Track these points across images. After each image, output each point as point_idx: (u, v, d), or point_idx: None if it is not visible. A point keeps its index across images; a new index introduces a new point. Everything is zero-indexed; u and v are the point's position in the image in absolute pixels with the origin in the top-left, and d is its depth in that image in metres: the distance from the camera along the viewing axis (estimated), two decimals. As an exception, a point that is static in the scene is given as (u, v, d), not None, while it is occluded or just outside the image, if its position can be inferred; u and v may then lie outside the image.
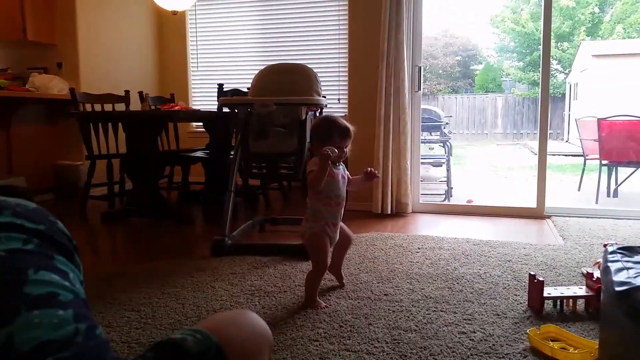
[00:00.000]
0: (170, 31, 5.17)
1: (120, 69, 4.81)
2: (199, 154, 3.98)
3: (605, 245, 1.58)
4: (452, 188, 5.19)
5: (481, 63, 21.29)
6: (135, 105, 4.27)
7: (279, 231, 3.36)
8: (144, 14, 5.07)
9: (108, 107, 4.12)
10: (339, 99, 4.79)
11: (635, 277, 1.15)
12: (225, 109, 3.58)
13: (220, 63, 5.17)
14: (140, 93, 4.12)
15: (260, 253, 2.71)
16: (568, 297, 1.90)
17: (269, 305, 2.00)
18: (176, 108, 3.81)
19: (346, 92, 4.31)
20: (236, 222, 3.25)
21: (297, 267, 2.48)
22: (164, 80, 5.24)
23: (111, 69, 4.73)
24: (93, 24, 4.53)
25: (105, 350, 0.66)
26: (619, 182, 5.28)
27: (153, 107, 4.16)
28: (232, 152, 3.07)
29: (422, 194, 4.22)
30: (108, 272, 2.44)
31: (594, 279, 1.90)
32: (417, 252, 2.75)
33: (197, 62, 5.22)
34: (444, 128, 6.01)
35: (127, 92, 4.25)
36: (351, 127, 1.92)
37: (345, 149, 1.93)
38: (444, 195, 5.11)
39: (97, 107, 4.03)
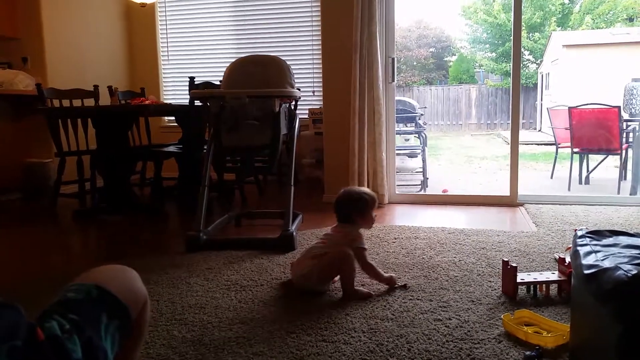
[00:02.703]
0: (139, 23, 5.07)
1: (88, 63, 4.69)
2: (171, 148, 3.92)
3: (575, 231, 1.60)
4: (427, 178, 5.22)
5: (454, 54, 21.47)
6: (105, 100, 4.18)
7: (255, 225, 3.33)
8: (112, 6, 4.96)
9: (77, 102, 4.02)
10: (313, 92, 4.77)
11: (602, 260, 1.17)
12: (198, 103, 3.52)
13: (192, 55, 5.09)
14: (110, 87, 4.04)
15: (236, 247, 2.68)
16: (541, 282, 1.93)
17: (245, 299, 1.98)
18: (147, 102, 3.74)
19: (320, 84, 4.29)
20: (211, 217, 3.21)
21: (273, 261, 2.47)
22: (134, 74, 5.14)
23: (79, 64, 4.61)
24: (58, 17, 4.40)
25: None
26: (590, 169, 5.39)
27: (123, 102, 4.07)
28: (206, 147, 3.02)
29: (398, 185, 4.24)
30: (81, 271, 2.38)
31: (565, 264, 1.93)
32: (394, 242, 2.76)
33: (168, 55, 5.13)
34: (419, 119, 6.03)
35: (96, 86, 4.15)
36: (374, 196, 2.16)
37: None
38: (420, 186, 5.14)
39: (66, 103, 3.93)
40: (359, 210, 2.09)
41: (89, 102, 4.12)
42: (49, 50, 4.33)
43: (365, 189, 2.28)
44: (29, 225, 3.56)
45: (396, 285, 2.06)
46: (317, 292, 2.02)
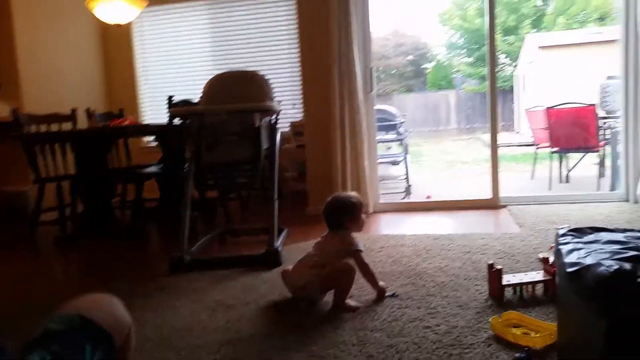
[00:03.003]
0: (115, 44, 5.03)
1: (65, 87, 4.64)
2: (152, 169, 3.87)
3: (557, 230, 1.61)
4: (410, 185, 5.24)
5: (432, 61, 21.76)
6: (83, 123, 4.13)
7: (240, 242, 3.31)
8: (86, 28, 4.92)
9: (54, 127, 3.97)
10: (293, 104, 4.77)
11: (585, 257, 1.17)
12: (177, 121, 3.50)
13: (170, 74, 5.07)
14: (88, 110, 3.99)
15: (221, 266, 2.65)
16: (527, 283, 1.94)
17: (232, 319, 1.95)
18: (125, 123, 3.70)
19: (300, 96, 4.30)
20: (195, 237, 3.17)
21: (259, 278, 2.44)
22: (112, 95, 5.09)
23: (55, 88, 4.55)
24: (32, 42, 4.35)
25: None
26: (569, 168, 5.46)
27: (101, 124, 4.03)
28: (186, 165, 2.99)
29: (382, 194, 4.25)
30: (64, 298, 2.33)
31: (549, 263, 1.94)
32: (380, 251, 2.75)
33: (146, 75, 5.10)
34: (400, 127, 6.07)
35: (73, 110, 4.10)
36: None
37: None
38: (404, 193, 5.15)
39: (43, 128, 3.87)
40: (349, 214, 2.09)
41: (67, 126, 4.06)
42: (24, 76, 4.27)
43: (351, 193, 2.30)
44: (9, 253, 3.48)
45: (386, 295, 2.05)
46: (309, 303, 2.01)
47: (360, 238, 2.61)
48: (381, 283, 2.09)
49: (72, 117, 4.09)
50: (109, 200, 3.68)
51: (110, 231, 3.61)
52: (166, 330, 1.89)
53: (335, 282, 1.97)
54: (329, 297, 2.02)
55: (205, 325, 1.90)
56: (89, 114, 3.96)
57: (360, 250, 2.05)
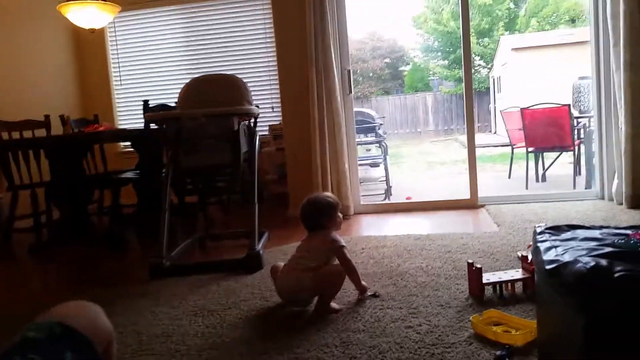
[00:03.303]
0: (89, 50, 4.95)
1: (38, 93, 4.54)
2: (128, 174, 3.82)
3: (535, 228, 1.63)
4: (391, 187, 5.27)
5: (409, 64, 21.95)
6: (57, 129, 4.04)
7: (221, 247, 3.27)
8: (60, 33, 4.83)
9: (28, 134, 3.88)
10: (272, 107, 4.76)
11: (562, 254, 1.19)
12: (153, 126, 3.46)
13: (146, 79, 5.01)
14: (62, 116, 3.91)
15: (202, 271, 2.62)
16: (506, 281, 1.96)
17: (213, 323, 1.93)
18: (100, 129, 3.64)
19: (279, 100, 4.29)
20: (175, 242, 3.12)
21: (241, 282, 2.42)
22: (86, 101, 5.01)
23: (28, 94, 4.45)
24: (3, 47, 4.25)
25: None
26: (545, 167, 5.56)
27: (76, 130, 3.96)
28: (164, 170, 2.95)
29: (362, 195, 4.26)
30: (42, 306, 2.27)
31: (528, 262, 1.97)
32: (362, 253, 2.76)
33: (121, 80, 5.03)
34: (379, 129, 6.10)
35: (47, 116, 4.02)
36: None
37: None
38: (384, 195, 5.18)
39: (16, 135, 3.79)
40: (326, 215, 2.09)
41: (41, 132, 3.98)
42: (-5, 82, 4.17)
43: (326, 193, 2.32)
44: (-18, 264, 3.39)
45: (367, 294, 2.05)
46: (298, 307, 2.01)
47: (342, 239, 2.63)
48: (364, 284, 2.10)
49: (45, 123, 4.01)
50: (86, 206, 3.62)
51: (87, 238, 3.54)
52: (146, 336, 1.86)
53: (328, 286, 1.96)
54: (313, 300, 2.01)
55: (185, 331, 1.87)
56: (64, 120, 3.88)
57: (344, 246, 2.04)
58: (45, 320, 0.90)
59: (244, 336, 1.79)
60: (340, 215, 2.15)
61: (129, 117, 5.05)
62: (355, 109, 4.30)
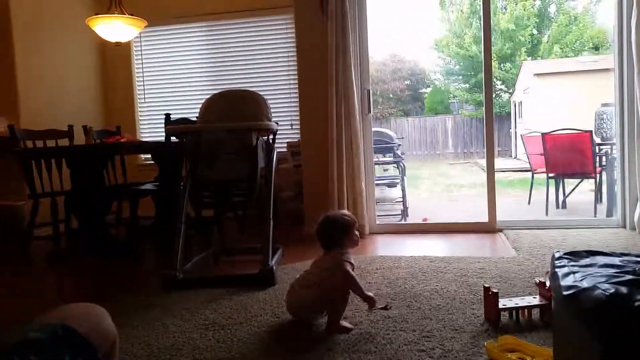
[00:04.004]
0: (114, 62, 5.07)
1: (62, 104, 4.65)
2: (147, 186, 3.86)
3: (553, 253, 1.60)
4: (407, 208, 5.23)
5: (429, 86, 21.98)
6: (80, 139, 4.12)
7: (235, 261, 3.28)
8: (86, 46, 4.96)
9: (51, 142, 3.97)
10: (291, 125, 4.80)
11: (581, 280, 1.16)
12: (174, 139, 3.50)
13: (169, 93, 5.10)
14: (85, 127, 3.99)
15: (215, 285, 2.62)
16: (523, 307, 1.92)
17: (224, 338, 1.92)
18: (122, 140, 3.70)
19: (298, 117, 4.31)
20: (190, 256, 3.13)
21: (253, 298, 2.41)
22: (109, 112, 5.11)
23: (53, 104, 4.57)
24: (31, 58, 4.38)
25: None
26: (566, 194, 5.47)
27: (98, 141, 4.03)
28: (182, 183, 2.98)
29: (378, 215, 4.24)
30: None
31: (546, 288, 1.93)
32: (376, 273, 2.73)
33: (144, 93, 5.13)
34: (397, 149, 6.08)
35: (70, 126, 4.10)
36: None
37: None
38: (400, 215, 5.14)
39: (39, 144, 3.87)
40: (343, 233, 2.05)
41: (64, 142, 4.06)
42: (22, 91, 4.28)
43: (342, 211, 2.28)
44: (1, 269, 3.44)
45: (377, 306, 1.98)
46: (308, 323, 1.99)
47: (356, 258, 2.60)
48: (371, 294, 1.98)
49: (69, 133, 4.10)
50: (104, 216, 3.66)
51: (104, 248, 3.57)
52: (156, 348, 1.86)
53: (328, 301, 1.94)
54: (323, 317, 1.99)
55: (195, 345, 1.87)
56: (86, 130, 3.96)
57: (347, 262, 1.99)
58: (48, 321, 0.89)
59: (253, 353, 1.78)
60: (358, 233, 2.11)
61: (151, 130, 5.13)
62: (374, 129, 4.30)
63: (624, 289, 1.06)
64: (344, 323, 1.94)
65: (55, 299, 2.81)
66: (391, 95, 20.83)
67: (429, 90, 21.92)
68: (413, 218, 5.08)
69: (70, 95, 4.78)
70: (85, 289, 2.93)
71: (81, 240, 3.60)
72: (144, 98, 5.15)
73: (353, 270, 2.01)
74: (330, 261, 2.00)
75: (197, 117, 3.20)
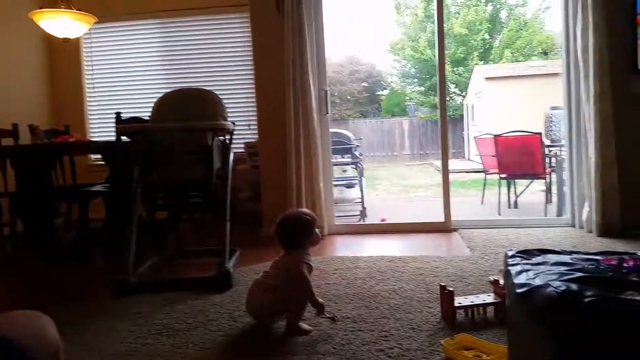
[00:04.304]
0: (62, 59, 4.87)
1: (7, 101, 4.42)
2: (98, 187, 3.72)
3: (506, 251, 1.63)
4: (366, 208, 5.27)
5: (386, 89, 22.28)
6: (26, 139, 3.93)
7: (191, 264, 3.20)
8: (32, 41, 4.74)
9: (-6, 142, 3.76)
10: (249, 125, 4.74)
11: (534, 278, 1.19)
12: (125, 138, 3.39)
13: (120, 91, 4.94)
14: (31, 126, 3.81)
15: (169, 289, 2.54)
16: (478, 305, 1.95)
17: (179, 343, 1.86)
18: (70, 140, 3.55)
19: (255, 117, 4.27)
20: (143, 259, 3.04)
21: (209, 301, 2.36)
22: (57, 111, 4.90)
23: (-4, 102, 4.34)
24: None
25: None
26: (517, 194, 5.65)
27: (45, 141, 3.86)
28: (134, 184, 2.88)
29: (337, 216, 4.24)
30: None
31: (500, 286, 1.97)
32: (334, 274, 2.73)
33: (94, 91, 4.95)
34: (355, 150, 6.14)
35: (15, 125, 3.91)
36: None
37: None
38: (359, 216, 5.17)
39: (-19, 143, 3.67)
40: (303, 233, 2.00)
41: (8, 141, 3.86)
42: (-38, 89, 4.05)
43: (302, 209, 2.24)
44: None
45: (323, 316, 1.96)
46: (267, 326, 1.97)
47: (315, 259, 2.59)
48: (323, 303, 1.97)
49: (14, 132, 3.90)
50: (52, 219, 3.50)
51: (52, 252, 3.42)
52: (108, 355, 1.79)
53: (286, 305, 1.91)
54: (283, 319, 1.97)
55: (149, 351, 1.80)
56: (32, 129, 3.78)
57: (305, 263, 1.96)
58: None
59: (210, 357, 1.74)
60: (318, 231, 2.07)
61: (101, 129, 4.95)
62: (332, 130, 4.31)
63: (574, 286, 1.09)
64: (303, 325, 1.92)
65: (-2, 307, 2.66)
66: (349, 97, 20.99)
67: (385, 92, 22.23)
68: (371, 218, 5.12)
69: (15, 93, 4.55)
70: (31, 296, 2.79)
71: (28, 244, 3.43)
72: (94, 96, 4.97)
73: (311, 272, 1.99)
74: (289, 262, 1.97)
75: (149, 116, 3.11)
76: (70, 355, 1.78)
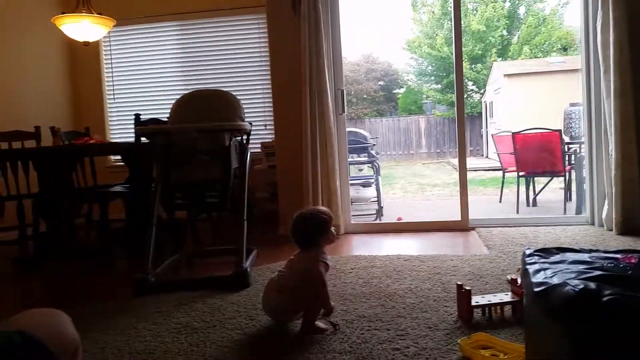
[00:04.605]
0: (83, 62, 4.96)
1: (29, 105, 4.52)
2: (117, 188, 3.78)
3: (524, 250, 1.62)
4: (382, 207, 5.26)
5: (402, 87, 22.16)
6: (48, 141, 4.01)
7: (208, 264, 3.23)
8: (53, 46, 4.84)
9: (17, 144, 3.85)
10: (265, 125, 4.77)
11: (551, 277, 1.18)
12: (144, 140, 3.44)
13: (139, 93, 5.02)
14: (52, 128, 3.89)
15: (187, 288, 2.57)
16: (495, 304, 1.94)
17: (197, 342, 1.89)
18: (91, 142, 3.62)
19: (272, 117, 4.29)
20: (162, 258, 3.08)
21: (227, 300, 2.38)
22: (78, 113, 5.00)
23: (19, 105, 4.44)
24: (-4, 58, 4.24)
25: None
26: (536, 192, 5.58)
27: (66, 142, 3.93)
28: (153, 185, 2.92)
29: (353, 215, 4.24)
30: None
31: (518, 285, 1.95)
32: (350, 272, 2.73)
33: (114, 93, 5.03)
34: (371, 149, 6.12)
35: (37, 127, 3.99)
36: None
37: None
38: (375, 215, 5.16)
39: (4, 146, 3.75)
40: (319, 231, 2.00)
41: (30, 143, 3.95)
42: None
43: (318, 207, 2.24)
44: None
45: (327, 319, 1.95)
46: (283, 324, 1.99)
47: (331, 259, 2.59)
48: (333, 306, 2.00)
49: (36, 134, 3.98)
50: (73, 220, 3.57)
51: (73, 252, 3.48)
52: (127, 353, 1.81)
53: (303, 305, 1.92)
54: (299, 318, 1.98)
55: (168, 349, 1.83)
56: (54, 131, 3.85)
57: (322, 262, 1.97)
58: (5, 329, 0.85)
59: (227, 356, 1.75)
60: (334, 229, 2.08)
61: (121, 131, 5.03)
62: (348, 129, 4.31)
63: (592, 285, 1.08)
64: (319, 323, 1.93)
65: (21, 306, 2.72)
66: (365, 96, 20.93)
67: (402, 90, 22.11)
68: (388, 217, 5.11)
69: (37, 96, 4.65)
70: (53, 294, 2.85)
71: (50, 244, 3.50)
72: (114, 98, 5.05)
73: (327, 271, 2.00)
74: (307, 261, 1.98)
75: (168, 118, 3.15)
76: (90, 353, 1.82)
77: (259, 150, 4.48)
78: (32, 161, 3.62)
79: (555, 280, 1.16)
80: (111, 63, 5.01)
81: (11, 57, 4.42)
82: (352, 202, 4.27)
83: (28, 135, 3.95)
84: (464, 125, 3.98)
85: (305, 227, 2.02)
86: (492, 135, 7.54)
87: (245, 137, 3.29)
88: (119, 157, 4.70)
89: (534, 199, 5.54)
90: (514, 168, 5.41)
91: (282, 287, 1.95)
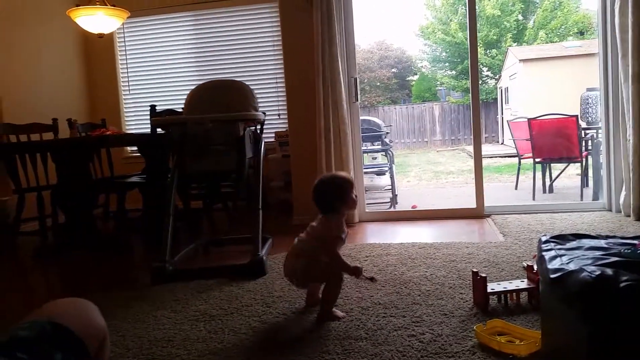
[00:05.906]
0: (98, 54, 5.00)
1: (46, 97, 4.58)
2: (134, 179, 3.83)
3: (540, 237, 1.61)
4: (396, 195, 5.25)
5: (416, 74, 21.97)
6: (65, 133, 4.07)
7: (225, 252, 3.27)
8: (68, 38, 4.88)
9: (35, 137, 3.91)
10: (279, 115, 4.77)
11: (568, 264, 1.18)
12: (160, 130, 3.47)
13: (154, 84, 5.05)
14: (69, 120, 3.94)
15: (205, 276, 2.61)
16: (511, 291, 1.94)
17: (215, 329, 1.92)
18: (107, 133, 3.66)
19: (285, 107, 4.30)
20: (179, 247, 3.12)
21: (243, 287, 2.41)
22: (94, 105, 5.05)
23: (36, 98, 4.49)
24: (10, 51, 4.30)
25: None
26: (553, 178, 5.52)
27: (83, 134, 3.98)
28: (169, 175, 2.96)
29: (367, 203, 4.25)
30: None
31: (533, 272, 1.95)
32: (365, 260, 2.74)
33: (129, 85, 5.07)
34: (385, 137, 6.09)
35: (54, 120, 4.05)
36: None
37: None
38: (389, 203, 5.16)
39: (23, 138, 3.81)
40: (339, 196, 1.99)
41: (48, 136, 4.01)
42: (3, 85, 4.20)
43: (339, 172, 2.23)
44: (-13, 266, 3.40)
45: (362, 277, 1.95)
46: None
47: (346, 247, 2.61)
48: (357, 265, 1.97)
49: (53, 127, 4.04)
50: (91, 210, 3.63)
51: (92, 242, 3.55)
52: (147, 340, 1.85)
53: (319, 278, 1.96)
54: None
55: (186, 336, 1.87)
56: (71, 123, 3.91)
57: (337, 237, 1.96)
58: (37, 319, 0.87)
59: (245, 342, 1.78)
60: (356, 193, 2.04)
61: (137, 122, 5.08)
62: (361, 117, 4.30)
63: (609, 271, 1.08)
64: (336, 311, 1.95)
65: (43, 295, 2.79)
66: (378, 84, 20.81)
67: (416, 77, 21.93)
68: (402, 205, 5.10)
69: (54, 88, 4.71)
70: (73, 284, 2.91)
71: (69, 234, 3.56)
72: (129, 90, 5.09)
73: (344, 242, 2.01)
74: (324, 229, 1.97)
75: (183, 108, 3.17)
76: (111, 341, 1.85)
77: (272, 139, 4.50)
78: (50, 153, 3.67)
79: (571, 267, 1.15)
80: (125, 54, 5.05)
81: (28, 51, 4.47)
82: (366, 191, 4.27)
83: (46, 127, 4.01)
84: (479, 112, 3.95)
85: (325, 191, 2.00)
86: (507, 121, 7.47)
87: (259, 126, 3.31)
88: (135, 148, 4.75)
89: (550, 186, 5.48)
90: (530, 154, 5.35)
91: (300, 251, 1.98)
